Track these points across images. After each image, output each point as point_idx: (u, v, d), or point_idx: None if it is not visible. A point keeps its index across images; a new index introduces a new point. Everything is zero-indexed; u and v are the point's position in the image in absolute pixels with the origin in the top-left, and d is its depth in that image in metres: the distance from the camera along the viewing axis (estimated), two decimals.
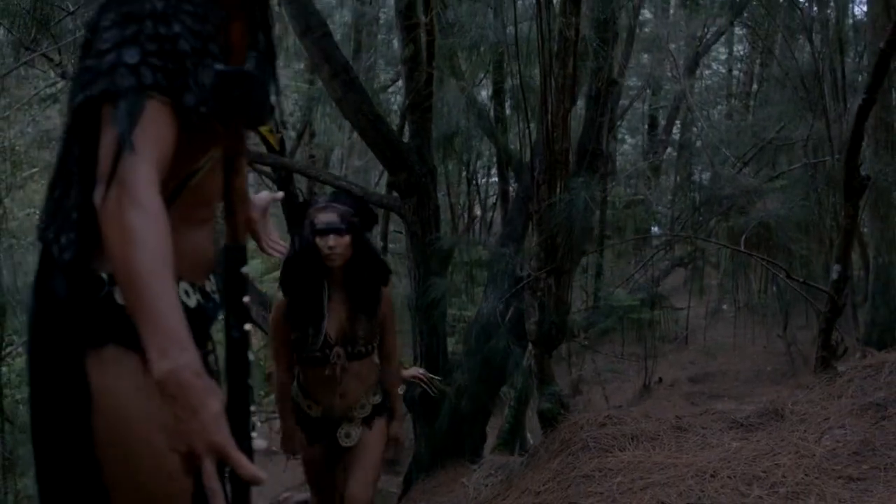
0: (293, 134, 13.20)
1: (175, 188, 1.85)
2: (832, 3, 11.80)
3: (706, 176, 13.33)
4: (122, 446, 1.81)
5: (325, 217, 4.13)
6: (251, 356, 1.91)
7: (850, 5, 12.84)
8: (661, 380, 11.49)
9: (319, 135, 13.77)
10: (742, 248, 7.07)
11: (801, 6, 11.79)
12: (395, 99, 13.71)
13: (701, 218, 11.06)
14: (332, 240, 4.10)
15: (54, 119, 16.10)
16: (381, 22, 15.19)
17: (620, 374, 11.97)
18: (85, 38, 1.80)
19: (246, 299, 1.90)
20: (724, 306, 13.46)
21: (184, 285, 1.90)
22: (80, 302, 1.81)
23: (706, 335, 12.60)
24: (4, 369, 11.12)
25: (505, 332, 6.00)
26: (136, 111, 1.64)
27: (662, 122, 17.26)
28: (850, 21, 12.46)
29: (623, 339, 12.05)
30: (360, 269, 4.26)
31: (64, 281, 1.81)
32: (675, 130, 17.42)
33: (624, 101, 16.11)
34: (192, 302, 1.93)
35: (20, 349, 12.44)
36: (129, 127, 1.62)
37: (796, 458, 4.35)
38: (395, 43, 14.44)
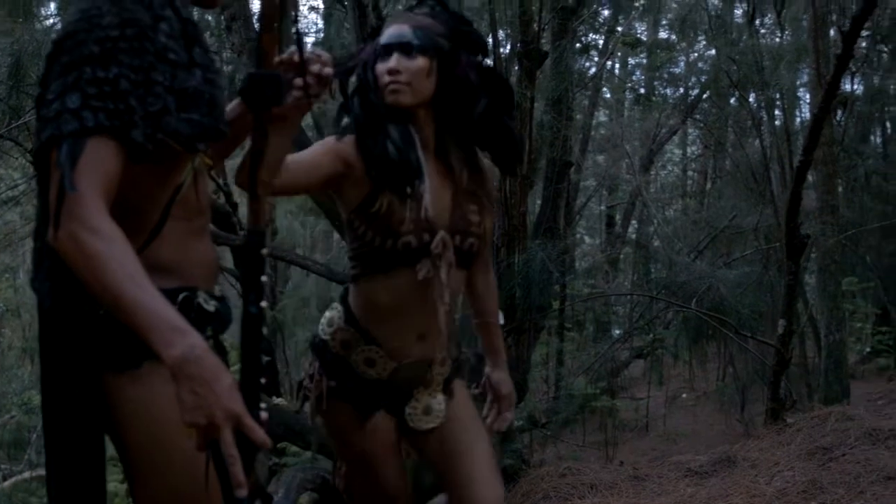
0: None
1: (166, 206, 2.00)
2: (779, 101, 12.32)
3: (662, 271, 13.65)
4: (158, 451, 1.95)
5: (393, 29, 2.66)
6: (265, 331, 2.03)
7: (798, 103, 13.42)
8: (622, 463, 11.57)
9: (282, 231, 13.99)
10: (693, 307, 7.29)
11: (749, 105, 12.29)
12: None
13: (659, 305, 11.30)
14: (394, 60, 2.60)
15: (15, 223, 16.21)
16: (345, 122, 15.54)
17: (582, 460, 12.03)
18: (38, 93, 1.90)
19: (263, 279, 2.02)
20: (684, 395, 13.65)
21: (202, 294, 2.06)
22: (93, 332, 1.92)
23: (666, 423, 12.74)
24: None
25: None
26: (76, 153, 1.78)
27: (619, 220, 17.65)
28: (798, 117, 13.00)
29: (584, 428, 12.17)
30: (455, 119, 2.69)
31: (64, 321, 1.94)
32: (631, 229, 17.80)
33: (581, 199, 16.53)
34: (212, 307, 2.08)
35: None
36: (70, 168, 1.76)
37: (748, 498, 4.52)
38: None
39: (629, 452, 11.96)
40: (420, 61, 2.58)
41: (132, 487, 2.02)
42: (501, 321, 3.07)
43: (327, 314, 2.79)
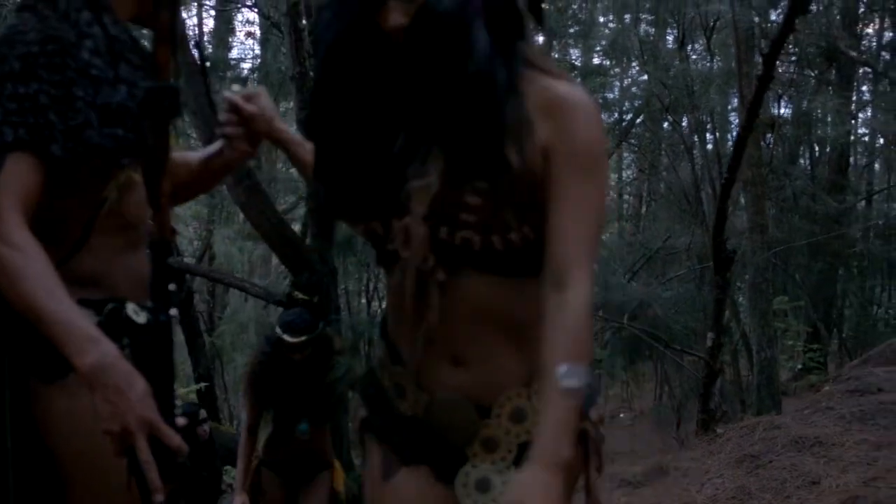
0: (192, 260, 13.39)
1: (87, 221, 2.02)
2: (710, 124, 12.59)
3: (599, 293, 13.82)
4: (88, 462, 1.96)
5: None
6: (174, 338, 2.09)
7: (729, 126, 13.71)
8: None
9: (219, 257, 13.94)
10: (626, 323, 7.44)
11: (681, 129, 12.54)
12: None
13: (595, 325, 11.46)
14: (394, 13, 1.61)
15: None
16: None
17: None
18: None
19: (171, 287, 2.07)
20: (622, 414, 13.82)
21: (131, 305, 2.07)
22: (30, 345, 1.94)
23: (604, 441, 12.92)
24: None
25: None
26: None
27: None
28: (729, 140, 13.27)
29: None
30: (437, 51, 1.60)
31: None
32: None
33: None
34: (142, 319, 2.08)
35: None
36: None
37: None
38: (295, 171, 14.73)
39: None
40: None
41: (64, 497, 2.02)
42: (570, 384, 1.50)
43: None
